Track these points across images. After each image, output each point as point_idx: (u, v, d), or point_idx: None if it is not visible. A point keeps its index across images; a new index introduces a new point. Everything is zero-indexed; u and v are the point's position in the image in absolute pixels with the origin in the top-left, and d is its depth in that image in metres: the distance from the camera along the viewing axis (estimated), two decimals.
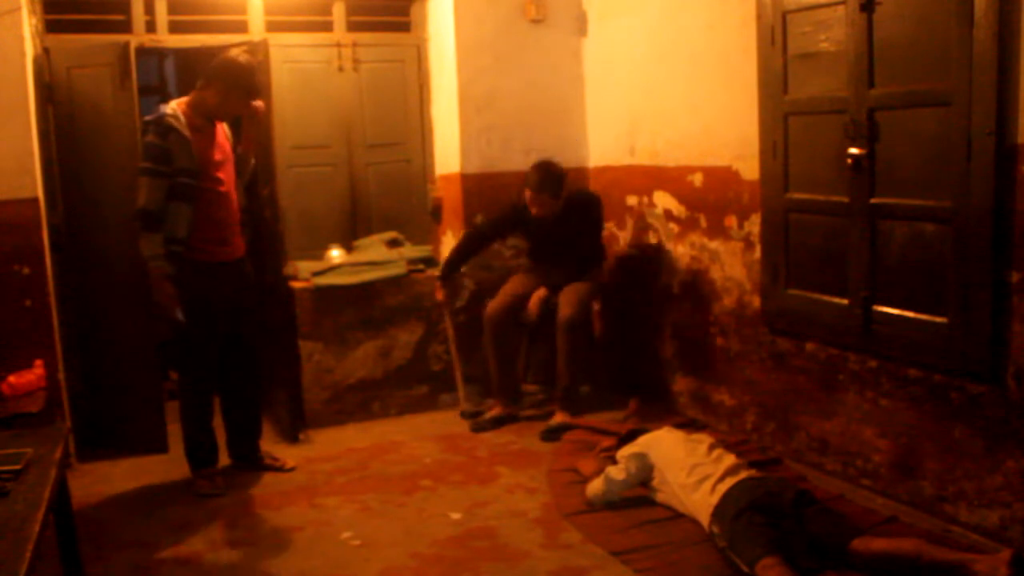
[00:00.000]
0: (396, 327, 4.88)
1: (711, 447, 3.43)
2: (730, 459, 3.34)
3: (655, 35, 4.61)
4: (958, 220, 3.09)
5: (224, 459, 4.13)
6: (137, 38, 4.65)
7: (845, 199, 3.51)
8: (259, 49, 4.47)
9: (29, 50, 4.16)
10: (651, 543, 3.21)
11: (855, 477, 3.62)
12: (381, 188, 5.35)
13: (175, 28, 4.82)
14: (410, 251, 5.01)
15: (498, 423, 4.64)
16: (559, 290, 4.59)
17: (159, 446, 4.41)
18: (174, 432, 4.30)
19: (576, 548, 3.27)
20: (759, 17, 3.85)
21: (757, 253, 4.03)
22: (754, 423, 4.16)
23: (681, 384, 4.66)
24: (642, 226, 4.86)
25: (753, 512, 2.98)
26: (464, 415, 4.78)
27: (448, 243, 5.10)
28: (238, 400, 4.13)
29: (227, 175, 3.94)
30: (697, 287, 4.47)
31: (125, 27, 4.71)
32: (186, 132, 3.74)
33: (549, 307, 4.59)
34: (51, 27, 4.53)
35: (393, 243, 5.06)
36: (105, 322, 4.46)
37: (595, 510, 3.52)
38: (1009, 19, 2.85)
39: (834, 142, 3.52)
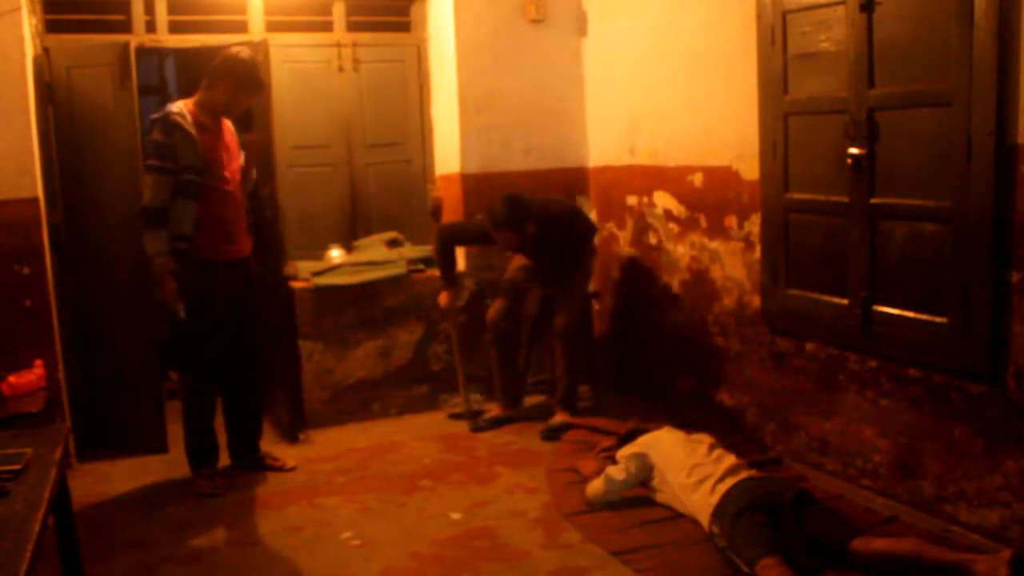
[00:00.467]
0: (396, 327, 4.88)
1: (711, 447, 3.43)
2: (730, 459, 3.35)
3: (655, 35, 4.61)
4: (958, 220, 3.09)
5: (224, 459, 4.13)
6: (137, 38, 4.65)
7: (845, 199, 3.51)
8: (259, 49, 4.47)
9: (29, 50, 4.16)
10: (651, 543, 3.21)
11: (855, 477, 3.62)
12: (381, 188, 5.35)
13: (175, 28, 4.82)
14: (410, 251, 5.01)
15: (497, 423, 4.64)
16: (552, 288, 4.56)
17: (159, 446, 4.41)
18: (174, 432, 4.30)
19: (576, 548, 3.27)
20: (759, 17, 3.85)
21: (757, 253, 4.03)
22: (754, 423, 4.16)
23: (681, 384, 4.66)
24: (642, 226, 4.86)
25: (753, 512, 2.98)
26: (453, 416, 4.77)
27: None
28: (239, 400, 4.13)
29: (233, 174, 3.95)
30: (697, 287, 4.47)
31: (125, 27, 4.71)
32: (192, 130, 3.75)
33: (544, 308, 4.58)
34: (51, 27, 4.54)
35: (393, 243, 5.06)
36: (105, 322, 4.46)
37: (595, 510, 3.52)
38: (1009, 19, 2.85)
39: (834, 142, 3.52)
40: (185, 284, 3.78)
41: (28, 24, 4.20)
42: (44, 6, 4.50)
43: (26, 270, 4.13)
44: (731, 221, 4.19)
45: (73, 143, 4.38)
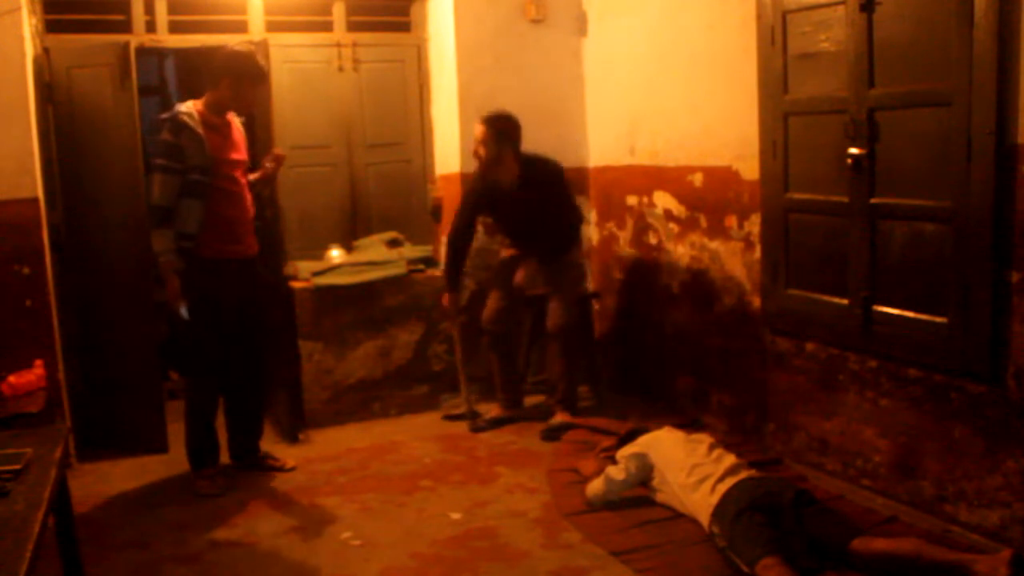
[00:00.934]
0: (396, 327, 4.88)
1: (711, 447, 3.43)
2: (730, 459, 3.35)
3: (655, 35, 4.61)
4: (958, 220, 3.09)
5: (224, 459, 4.13)
6: (137, 38, 4.65)
7: (845, 199, 3.51)
8: (259, 49, 4.47)
9: (29, 50, 4.16)
10: (651, 543, 3.21)
11: (855, 477, 3.62)
12: (381, 188, 5.35)
13: (175, 28, 4.82)
14: (410, 251, 5.01)
15: (497, 423, 4.64)
16: (544, 270, 4.52)
17: (159, 446, 4.41)
18: (174, 432, 4.30)
19: (576, 548, 3.27)
20: (759, 17, 3.85)
21: (757, 253, 4.03)
22: (754, 423, 4.16)
23: (681, 384, 4.66)
24: (642, 226, 4.86)
25: (753, 512, 2.98)
26: (448, 417, 4.77)
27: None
28: (241, 400, 4.14)
29: (241, 174, 3.97)
30: (697, 287, 4.47)
31: (125, 27, 4.71)
32: (199, 130, 3.77)
33: (541, 308, 4.56)
34: (51, 27, 4.53)
35: (393, 243, 5.06)
36: (105, 322, 4.46)
37: (595, 510, 3.52)
38: (1009, 19, 2.85)
39: (834, 142, 3.52)
40: (190, 283, 3.79)
41: (28, 24, 4.20)
42: (44, 6, 4.50)
43: (26, 270, 4.13)
44: (731, 221, 4.19)
45: (73, 143, 4.38)
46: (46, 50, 4.40)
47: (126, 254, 4.33)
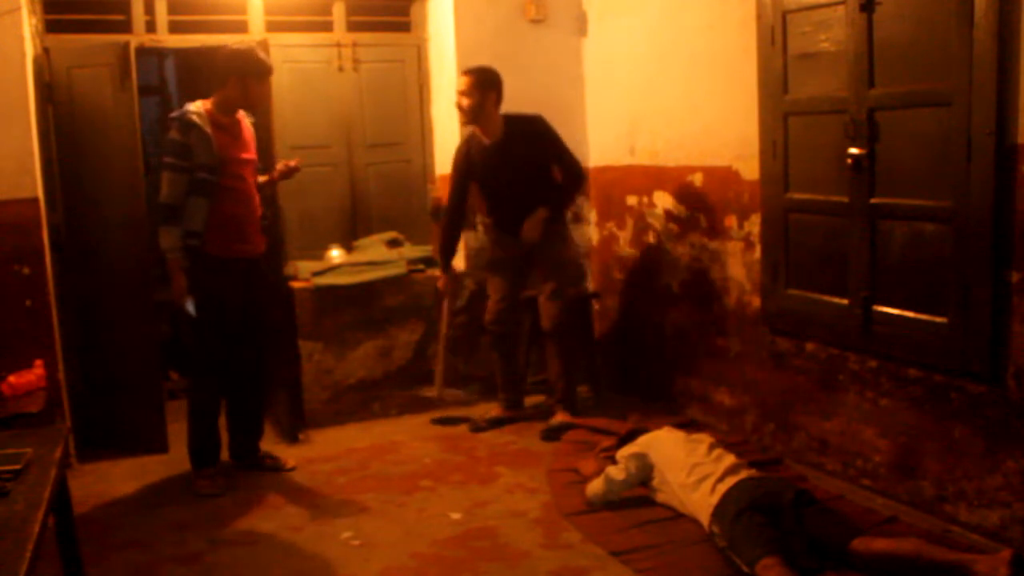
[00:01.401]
0: (396, 327, 4.88)
1: (711, 447, 3.43)
2: (730, 459, 3.34)
3: (655, 35, 4.61)
4: (958, 220, 3.09)
5: (224, 459, 4.13)
6: (137, 38, 4.65)
7: (845, 199, 3.51)
8: (259, 49, 4.46)
9: (29, 50, 4.16)
10: (651, 543, 3.21)
11: (855, 477, 3.62)
12: (381, 188, 5.35)
13: (175, 28, 4.82)
14: (410, 251, 5.01)
15: (498, 423, 4.64)
16: (536, 259, 4.49)
17: (159, 446, 4.41)
18: (174, 432, 4.31)
19: (576, 548, 3.27)
20: (759, 17, 3.85)
21: (757, 253, 4.03)
22: (754, 423, 4.16)
23: (681, 384, 4.66)
24: (642, 226, 4.86)
25: (753, 512, 2.98)
26: (435, 421, 4.74)
27: None
28: (243, 400, 4.14)
29: (250, 173, 3.98)
30: (697, 287, 4.47)
31: (125, 27, 4.71)
32: (207, 129, 3.78)
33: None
34: (51, 27, 4.54)
35: (393, 243, 5.06)
36: (105, 322, 4.46)
37: (595, 510, 3.52)
38: (1009, 19, 2.85)
39: (834, 142, 3.52)
40: (195, 280, 3.81)
41: (28, 24, 4.20)
42: (44, 6, 4.50)
43: (26, 270, 4.13)
44: (731, 221, 4.19)
45: (73, 143, 4.38)
46: (46, 50, 4.40)
47: (126, 254, 4.33)
